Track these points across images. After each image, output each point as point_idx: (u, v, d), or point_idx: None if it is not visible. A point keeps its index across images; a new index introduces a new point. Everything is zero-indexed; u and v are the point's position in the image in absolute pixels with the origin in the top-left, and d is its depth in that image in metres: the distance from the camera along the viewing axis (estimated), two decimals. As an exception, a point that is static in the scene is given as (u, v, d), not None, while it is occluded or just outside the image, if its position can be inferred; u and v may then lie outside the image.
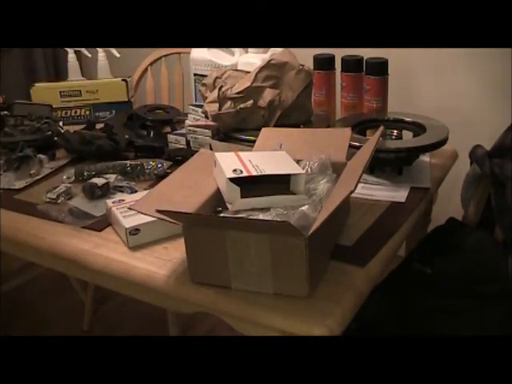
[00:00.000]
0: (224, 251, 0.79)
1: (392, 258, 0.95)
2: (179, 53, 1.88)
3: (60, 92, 1.59)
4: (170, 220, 0.81)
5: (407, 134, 1.29)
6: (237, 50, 1.57)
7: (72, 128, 1.42)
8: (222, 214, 0.89)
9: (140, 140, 1.34)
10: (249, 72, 1.30)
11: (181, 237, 0.85)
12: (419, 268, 1.16)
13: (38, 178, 1.23)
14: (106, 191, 1.12)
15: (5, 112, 1.45)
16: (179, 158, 1.21)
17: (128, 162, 1.22)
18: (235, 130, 1.26)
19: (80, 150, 1.31)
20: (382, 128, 0.98)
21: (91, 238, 0.99)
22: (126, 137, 1.33)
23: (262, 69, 1.26)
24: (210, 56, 1.59)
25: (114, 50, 1.75)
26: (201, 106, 1.32)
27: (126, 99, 1.62)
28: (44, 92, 1.58)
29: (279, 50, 1.37)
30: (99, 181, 1.12)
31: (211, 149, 1.19)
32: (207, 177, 0.97)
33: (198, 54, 1.61)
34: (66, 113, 1.61)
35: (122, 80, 1.61)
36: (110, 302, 2.01)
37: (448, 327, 1.00)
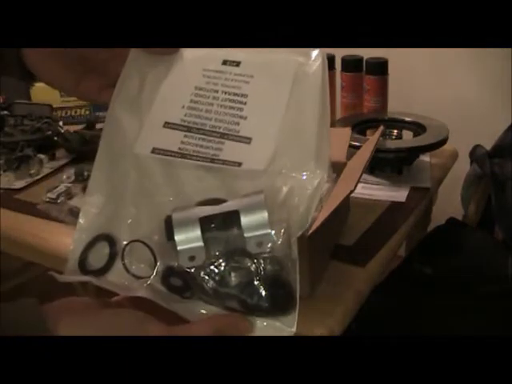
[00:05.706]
0: (224, 251, 0.79)
1: (392, 257, 0.95)
2: (179, 53, 1.88)
3: (60, 92, 1.59)
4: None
5: (407, 134, 1.29)
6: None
7: (72, 128, 1.42)
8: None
9: (140, 140, 1.34)
10: (249, 72, 1.29)
11: (181, 237, 0.85)
12: (419, 268, 1.16)
13: (37, 177, 1.23)
14: (106, 191, 1.12)
15: (5, 112, 1.45)
16: (179, 157, 1.21)
17: (128, 161, 1.21)
18: (235, 129, 1.25)
19: (80, 150, 1.31)
20: (382, 128, 0.98)
21: (91, 238, 0.98)
22: (126, 137, 1.33)
23: (262, 69, 1.25)
24: (210, 56, 1.58)
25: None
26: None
27: (126, 99, 1.61)
28: (44, 92, 1.58)
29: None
30: (99, 181, 1.12)
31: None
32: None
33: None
34: (66, 113, 1.60)
35: (122, 80, 1.60)
36: (109, 301, 2.01)
37: (448, 327, 1.00)
